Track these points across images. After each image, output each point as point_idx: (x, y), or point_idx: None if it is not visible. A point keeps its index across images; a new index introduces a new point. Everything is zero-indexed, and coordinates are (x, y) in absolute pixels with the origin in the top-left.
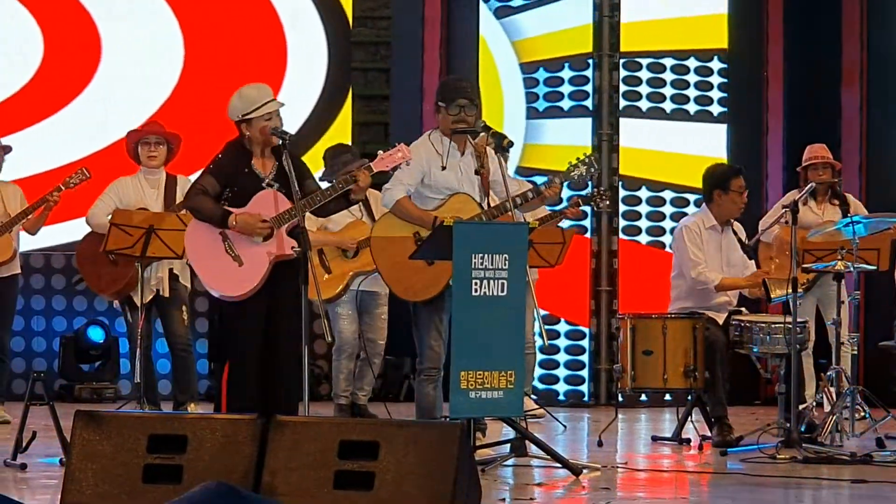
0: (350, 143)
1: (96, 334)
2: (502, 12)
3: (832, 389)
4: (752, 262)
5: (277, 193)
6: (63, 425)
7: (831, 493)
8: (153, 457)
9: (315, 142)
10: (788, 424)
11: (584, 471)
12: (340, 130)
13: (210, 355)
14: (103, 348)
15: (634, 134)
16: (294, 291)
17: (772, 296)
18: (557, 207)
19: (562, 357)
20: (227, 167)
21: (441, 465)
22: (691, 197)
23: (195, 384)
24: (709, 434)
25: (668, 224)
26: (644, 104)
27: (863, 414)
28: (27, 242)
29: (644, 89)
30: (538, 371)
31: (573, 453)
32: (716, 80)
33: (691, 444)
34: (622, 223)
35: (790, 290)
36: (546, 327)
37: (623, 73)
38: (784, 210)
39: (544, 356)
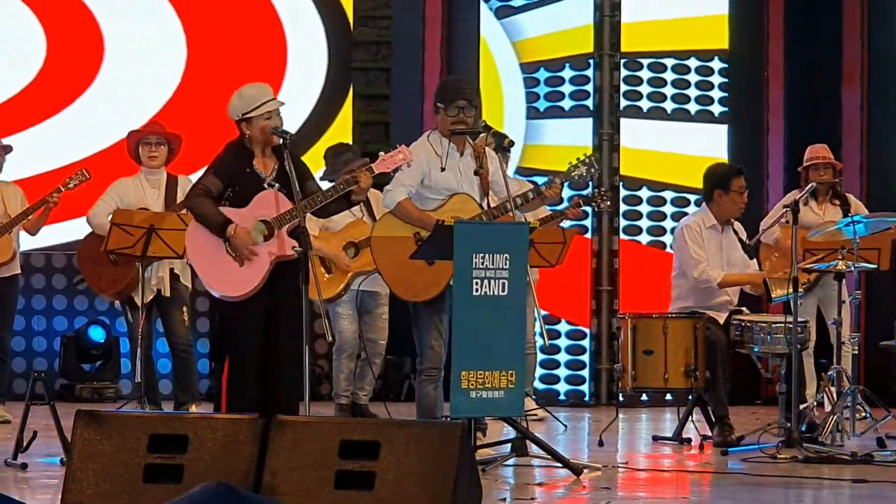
0: (351, 143)
1: (97, 334)
2: (503, 13)
3: (833, 389)
4: (754, 261)
5: (279, 194)
6: (64, 425)
7: (832, 493)
8: (154, 456)
9: (315, 141)
10: (789, 424)
11: (585, 470)
12: (341, 130)
13: (211, 355)
14: (104, 348)
15: (635, 134)
16: (294, 291)
17: (773, 295)
18: (558, 208)
19: (562, 357)
20: (229, 167)
21: (442, 464)
22: (692, 197)
23: (196, 384)
24: (710, 434)
25: (668, 224)
26: (645, 104)
27: (863, 414)
28: (28, 242)
29: (645, 89)
30: (539, 371)
31: (574, 453)
32: (716, 79)
33: (692, 443)
34: (623, 223)
35: (791, 290)
36: (547, 327)
37: (624, 72)
38: (785, 210)
39: (545, 356)
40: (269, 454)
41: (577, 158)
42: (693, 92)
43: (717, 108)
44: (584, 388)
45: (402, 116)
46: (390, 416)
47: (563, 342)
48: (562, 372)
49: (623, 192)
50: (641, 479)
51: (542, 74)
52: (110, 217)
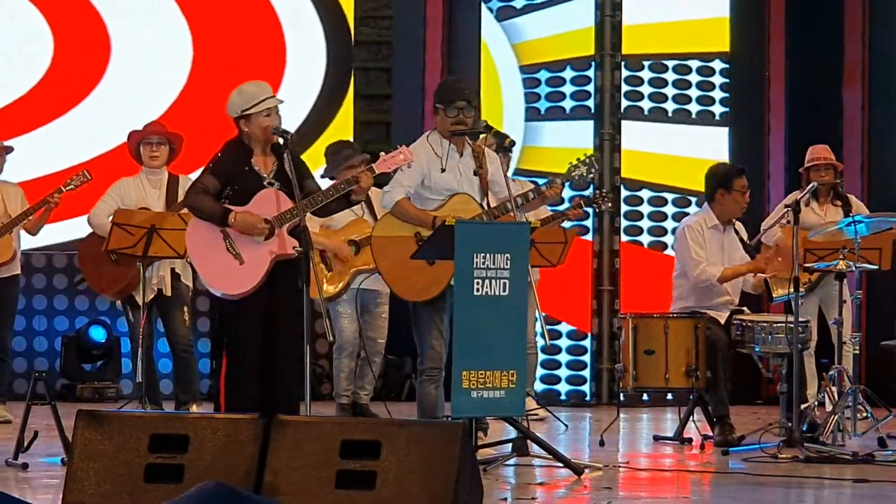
0: (351, 140)
1: (98, 334)
2: (503, 15)
3: (834, 389)
4: None
5: (279, 192)
6: (65, 425)
7: (833, 493)
8: (155, 456)
9: (313, 141)
10: (790, 424)
11: (586, 470)
12: (342, 130)
13: (211, 354)
14: (105, 348)
15: (636, 137)
16: (294, 290)
17: (774, 295)
18: (560, 208)
19: (563, 357)
20: (228, 165)
21: (443, 464)
22: (693, 200)
23: (197, 384)
24: (710, 433)
25: (669, 224)
26: (646, 104)
27: (865, 413)
28: (28, 241)
29: (646, 89)
30: (540, 371)
31: (575, 453)
32: (717, 80)
33: (693, 443)
34: (624, 223)
35: (792, 290)
36: (548, 327)
37: (625, 72)
38: (786, 210)
39: (546, 356)
40: (270, 454)
41: (578, 158)
42: (694, 92)
43: (717, 109)
44: (586, 387)
45: (403, 116)
46: (391, 416)
47: (563, 342)
48: (563, 372)
49: (624, 193)
50: (642, 479)
51: (543, 75)
52: (111, 217)
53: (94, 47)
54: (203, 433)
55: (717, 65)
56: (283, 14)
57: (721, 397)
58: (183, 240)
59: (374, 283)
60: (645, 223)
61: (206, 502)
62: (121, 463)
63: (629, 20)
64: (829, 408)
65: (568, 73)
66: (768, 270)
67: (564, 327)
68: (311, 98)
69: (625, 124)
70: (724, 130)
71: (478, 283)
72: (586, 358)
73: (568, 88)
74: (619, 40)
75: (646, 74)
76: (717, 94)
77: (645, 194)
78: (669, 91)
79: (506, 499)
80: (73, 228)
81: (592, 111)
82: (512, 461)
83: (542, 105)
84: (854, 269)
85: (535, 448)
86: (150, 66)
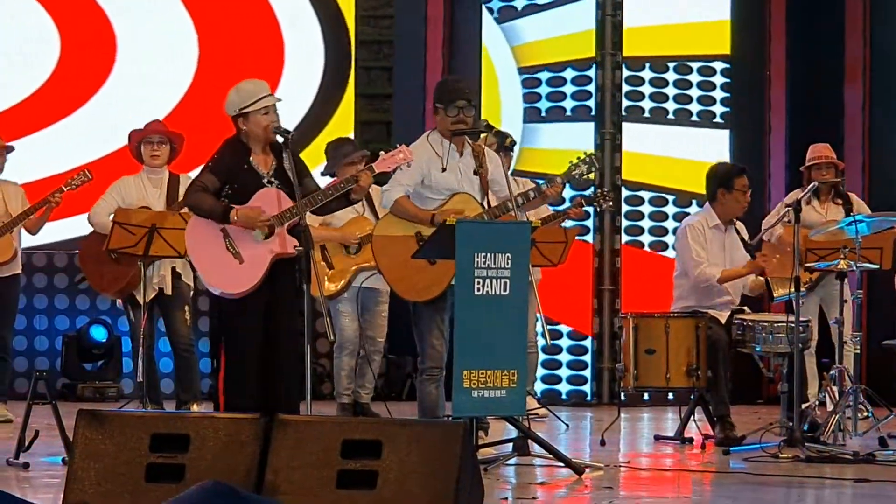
0: (352, 137)
1: (99, 333)
2: (503, 17)
3: (835, 388)
4: None
5: (279, 191)
6: (66, 424)
7: (834, 493)
8: (156, 456)
9: (312, 139)
10: (791, 423)
11: (587, 470)
12: (342, 129)
13: (212, 353)
14: (106, 347)
15: (637, 139)
16: (294, 288)
17: (774, 295)
18: (561, 207)
19: (564, 356)
20: (227, 164)
21: (444, 464)
22: (695, 202)
23: (198, 383)
24: (711, 433)
25: (670, 224)
26: (647, 104)
27: (865, 413)
28: (29, 240)
29: (647, 89)
30: (541, 370)
31: (576, 452)
32: (718, 80)
33: (694, 443)
34: (625, 223)
35: (793, 289)
36: (549, 327)
37: (626, 73)
38: (787, 209)
39: (547, 356)
40: (271, 453)
41: (578, 157)
42: (695, 92)
43: (718, 109)
44: (586, 387)
45: (403, 116)
46: (392, 416)
47: (564, 342)
48: (564, 371)
49: (625, 192)
50: (643, 479)
51: (544, 75)
52: (111, 216)
53: (100, 47)
54: (204, 433)
55: (718, 66)
56: (281, 13)
57: (722, 397)
58: (183, 239)
59: (375, 281)
60: (646, 223)
61: (206, 502)
62: (122, 462)
63: (630, 23)
64: (829, 407)
65: (569, 74)
66: (767, 269)
67: (565, 327)
68: (310, 97)
69: (625, 126)
70: (725, 133)
71: (478, 283)
72: (587, 358)
73: (569, 88)
74: (620, 40)
75: (646, 75)
76: (718, 95)
77: (645, 194)
78: (670, 91)
79: (507, 498)
80: (74, 227)
81: (593, 112)
82: (513, 461)
83: (543, 105)
84: (855, 268)
85: (535, 448)
86: (154, 65)
